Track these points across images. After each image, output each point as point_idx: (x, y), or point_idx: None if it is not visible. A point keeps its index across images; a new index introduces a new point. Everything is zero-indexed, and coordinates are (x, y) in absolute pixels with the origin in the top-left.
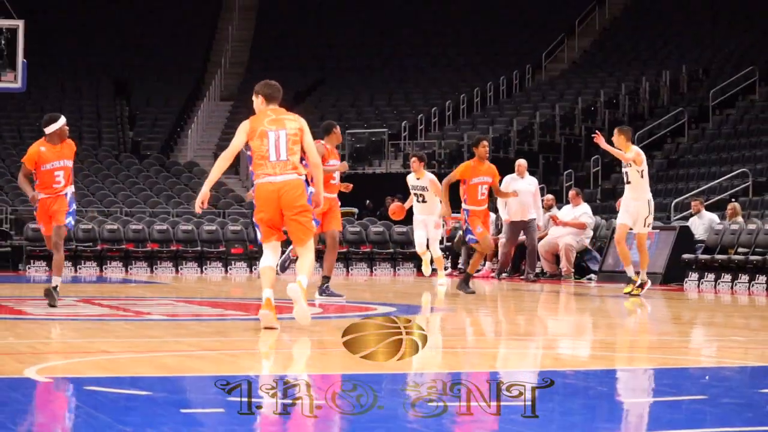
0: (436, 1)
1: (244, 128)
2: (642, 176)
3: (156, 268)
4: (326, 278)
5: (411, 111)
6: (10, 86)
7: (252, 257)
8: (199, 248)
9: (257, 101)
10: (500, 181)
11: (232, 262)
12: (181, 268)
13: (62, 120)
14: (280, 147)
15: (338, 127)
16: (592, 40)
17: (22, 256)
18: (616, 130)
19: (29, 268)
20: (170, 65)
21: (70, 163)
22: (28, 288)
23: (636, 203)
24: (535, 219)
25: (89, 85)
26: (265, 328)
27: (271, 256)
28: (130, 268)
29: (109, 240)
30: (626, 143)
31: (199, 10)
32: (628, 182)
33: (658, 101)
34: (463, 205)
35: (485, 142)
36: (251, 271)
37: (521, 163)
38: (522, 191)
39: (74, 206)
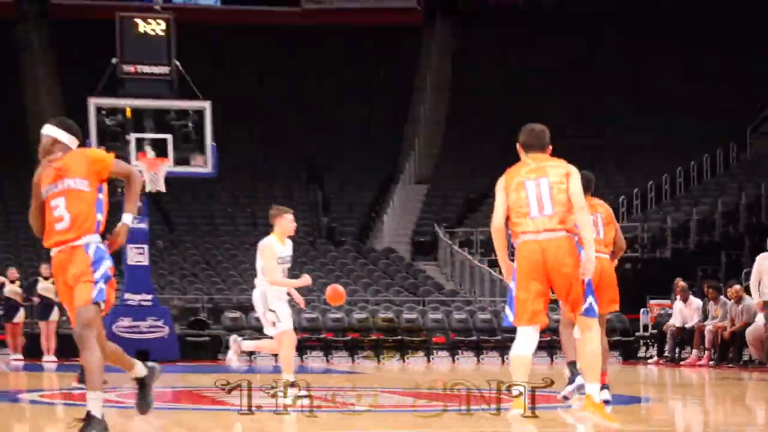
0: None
1: (500, 185)
2: None
3: (356, 357)
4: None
5: (610, 194)
6: (200, 171)
7: (455, 346)
8: (399, 337)
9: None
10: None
11: (434, 352)
12: (382, 357)
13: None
14: (543, 198)
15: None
16: None
17: (221, 345)
18: None
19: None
20: (362, 148)
21: None
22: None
23: None
24: None
25: (282, 170)
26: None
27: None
28: (330, 358)
29: (308, 329)
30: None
31: (389, 91)
32: None
33: None
34: None
35: None
36: (453, 360)
37: None
38: None
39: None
